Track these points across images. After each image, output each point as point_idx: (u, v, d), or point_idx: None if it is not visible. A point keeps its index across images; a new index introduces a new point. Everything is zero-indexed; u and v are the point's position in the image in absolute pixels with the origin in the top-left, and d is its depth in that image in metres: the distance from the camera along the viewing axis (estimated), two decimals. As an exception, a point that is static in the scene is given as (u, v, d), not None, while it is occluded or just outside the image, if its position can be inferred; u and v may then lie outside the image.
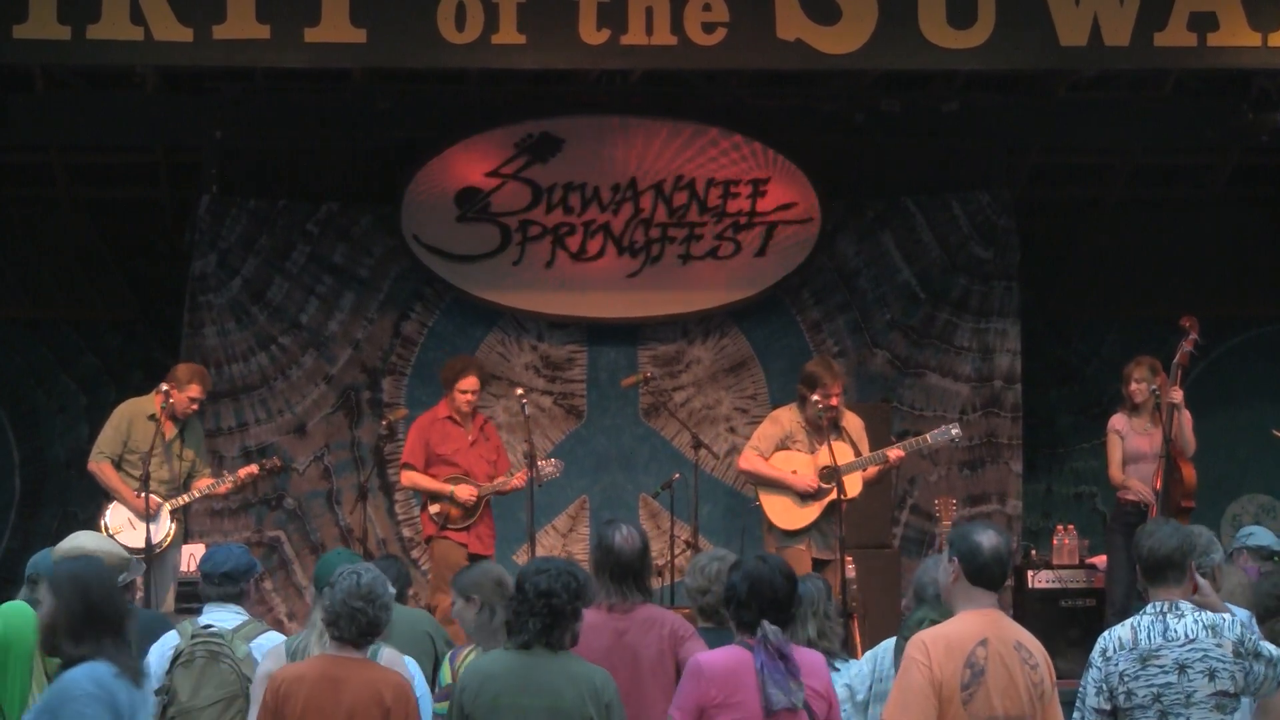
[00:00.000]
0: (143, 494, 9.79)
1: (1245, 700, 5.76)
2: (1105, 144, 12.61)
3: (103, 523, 9.88)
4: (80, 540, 6.38)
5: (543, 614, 5.53)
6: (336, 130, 12.06)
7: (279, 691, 5.65)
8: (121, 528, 9.83)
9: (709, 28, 9.86)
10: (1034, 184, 12.85)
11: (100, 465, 10.05)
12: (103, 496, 10.13)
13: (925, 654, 5.28)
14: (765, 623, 5.56)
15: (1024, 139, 12.48)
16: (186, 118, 11.92)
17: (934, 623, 5.56)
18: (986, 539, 5.39)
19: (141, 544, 9.79)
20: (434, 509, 10.45)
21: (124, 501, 9.92)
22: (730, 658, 5.62)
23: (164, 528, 9.97)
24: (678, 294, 12.11)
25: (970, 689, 5.24)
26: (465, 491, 10.31)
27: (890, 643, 6.33)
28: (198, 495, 10.24)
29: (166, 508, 10.00)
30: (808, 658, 5.69)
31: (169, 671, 6.32)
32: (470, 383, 10.41)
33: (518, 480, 10.37)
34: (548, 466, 10.43)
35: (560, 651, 5.57)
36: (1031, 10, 9.93)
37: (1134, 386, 10.22)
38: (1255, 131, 11.53)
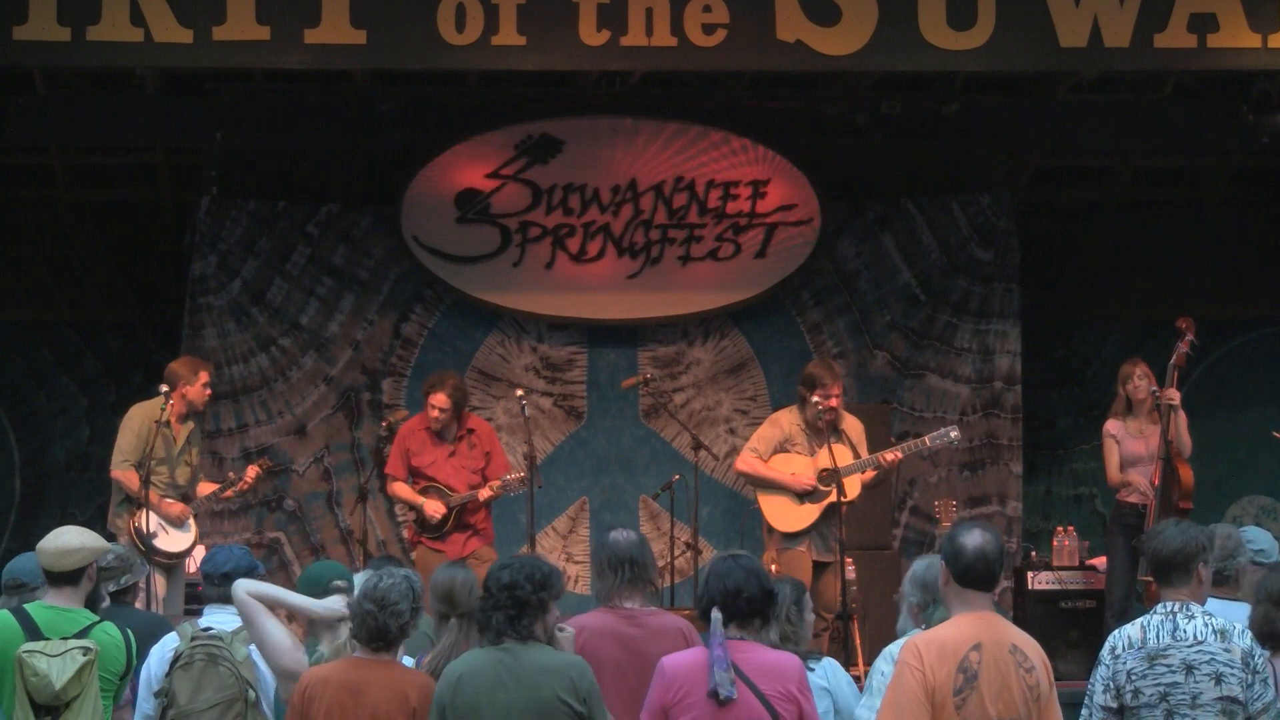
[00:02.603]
0: (165, 498, 9.81)
1: None
2: (1105, 146, 12.60)
3: (133, 529, 9.68)
4: (65, 536, 6.33)
5: (507, 605, 5.54)
6: (336, 132, 12.05)
7: (305, 694, 5.70)
8: (155, 533, 9.75)
9: (709, 29, 9.85)
10: (1034, 186, 12.85)
11: (126, 473, 9.81)
12: (119, 501, 9.91)
13: (918, 658, 5.24)
14: (713, 611, 5.54)
15: (1024, 141, 12.48)
16: (187, 119, 11.92)
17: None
18: (971, 539, 5.32)
19: (176, 548, 9.81)
20: (412, 516, 10.54)
21: (153, 508, 9.73)
22: (691, 657, 5.60)
23: (191, 534, 9.95)
24: (677, 295, 12.10)
25: (963, 694, 5.20)
26: (431, 508, 10.28)
27: None
28: (206, 499, 10.23)
29: (192, 515, 9.98)
30: (776, 659, 5.62)
31: (168, 674, 6.31)
32: (439, 400, 10.25)
33: (485, 492, 10.26)
34: (514, 480, 10.32)
35: (531, 642, 5.55)
36: (1031, 11, 9.92)
37: (1134, 385, 10.20)
38: (1255, 134, 11.51)
